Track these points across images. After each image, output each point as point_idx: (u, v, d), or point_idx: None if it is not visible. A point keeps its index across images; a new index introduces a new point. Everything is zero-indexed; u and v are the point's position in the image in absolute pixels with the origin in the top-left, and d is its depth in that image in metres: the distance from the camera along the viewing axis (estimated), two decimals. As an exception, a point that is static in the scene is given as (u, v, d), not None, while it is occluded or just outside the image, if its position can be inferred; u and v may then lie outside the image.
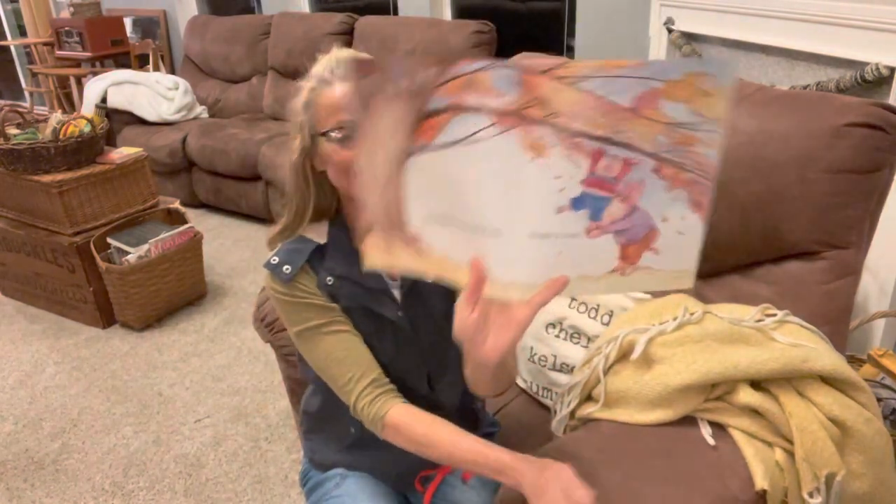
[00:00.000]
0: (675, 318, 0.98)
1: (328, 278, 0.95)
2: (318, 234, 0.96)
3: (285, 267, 0.93)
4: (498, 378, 0.83)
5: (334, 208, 0.98)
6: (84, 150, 2.46)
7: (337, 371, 0.95)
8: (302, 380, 1.14)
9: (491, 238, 0.60)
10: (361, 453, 1.08)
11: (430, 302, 1.00)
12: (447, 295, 1.02)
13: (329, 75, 0.89)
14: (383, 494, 1.07)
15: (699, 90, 0.53)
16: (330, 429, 1.10)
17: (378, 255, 0.65)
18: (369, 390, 0.94)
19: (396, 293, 1.00)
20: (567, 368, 1.27)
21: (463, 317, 0.66)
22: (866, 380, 1.49)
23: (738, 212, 1.12)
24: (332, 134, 0.87)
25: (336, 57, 0.92)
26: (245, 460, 1.85)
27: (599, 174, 0.56)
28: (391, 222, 0.63)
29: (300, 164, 0.92)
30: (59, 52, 4.76)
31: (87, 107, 3.74)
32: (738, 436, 0.92)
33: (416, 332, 1.00)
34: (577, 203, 0.57)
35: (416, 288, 0.99)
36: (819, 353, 0.92)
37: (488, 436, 1.18)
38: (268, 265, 0.95)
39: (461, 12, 3.82)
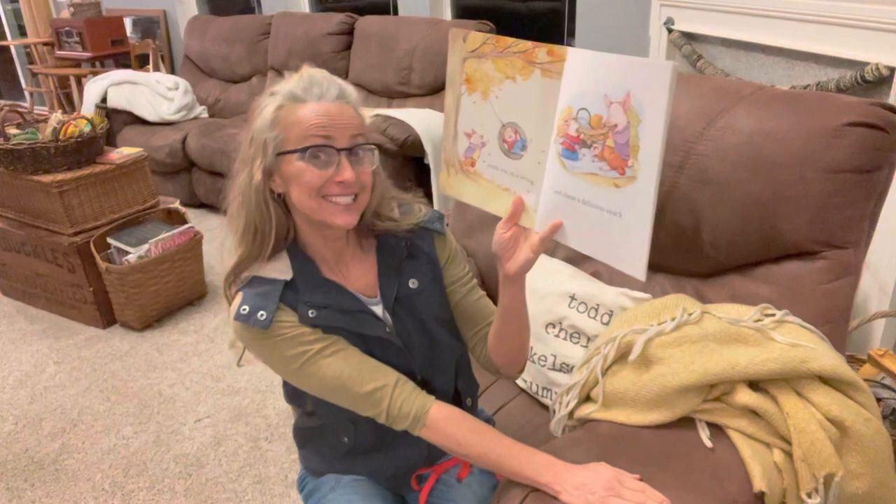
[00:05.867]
0: (673, 319, 0.98)
1: (310, 311, 0.92)
2: (281, 271, 0.92)
3: (259, 314, 0.88)
4: (519, 331, 0.95)
5: (292, 236, 0.94)
6: (84, 150, 2.46)
7: (357, 388, 0.92)
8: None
9: (526, 186, 0.84)
10: (355, 459, 1.08)
11: (420, 309, 0.99)
12: (438, 298, 1.02)
13: (302, 93, 0.88)
14: (378, 496, 1.07)
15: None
16: (322, 441, 1.10)
17: (445, 184, 0.95)
18: (399, 390, 0.92)
19: (378, 310, 0.98)
20: (567, 368, 1.27)
21: (500, 234, 0.84)
22: (866, 380, 1.49)
23: (737, 212, 1.12)
24: (307, 153, 0.86)
25: (309, 75, 0.90)
26: (245, 460, 1.85)
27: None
28: (450, 156, 0.92)
29: (262, 184, 0.88)
30: (59, 52, 4.77)
31: (87, 107, 3.74)
32: (736, 437, 0.92)
33: (406, 343, 0.98)
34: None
35: (403, 300, 0.98)
36: (818, 353, 0.91)
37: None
38: (238, 317, 0.88)
39: (461, 12, 3.82)
